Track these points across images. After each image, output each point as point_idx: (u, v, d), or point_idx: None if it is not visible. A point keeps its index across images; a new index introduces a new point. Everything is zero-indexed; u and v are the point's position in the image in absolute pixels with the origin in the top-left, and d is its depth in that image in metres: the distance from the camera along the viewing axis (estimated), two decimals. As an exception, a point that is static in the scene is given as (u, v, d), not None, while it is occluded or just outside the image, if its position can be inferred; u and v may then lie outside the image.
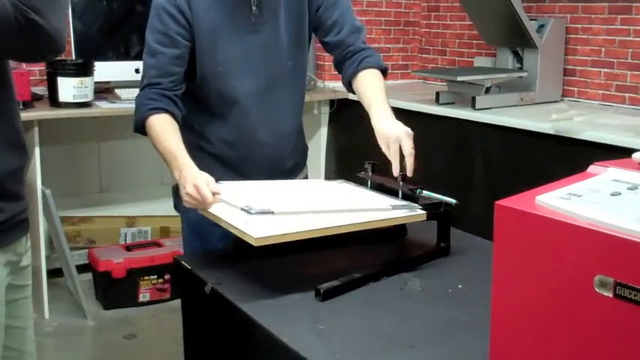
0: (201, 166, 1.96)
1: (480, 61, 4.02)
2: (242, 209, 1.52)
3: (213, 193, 1.65)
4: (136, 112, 1.90)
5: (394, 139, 1.75)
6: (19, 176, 1.45)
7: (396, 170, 1.73)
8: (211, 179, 1.70)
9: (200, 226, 1.98)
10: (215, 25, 1.89)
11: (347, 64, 2.04)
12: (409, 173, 1.71)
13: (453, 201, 1.72)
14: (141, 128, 1.89)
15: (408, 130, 1.77)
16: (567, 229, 0.93)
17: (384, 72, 2.03)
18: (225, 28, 1.90)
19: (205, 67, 1.92)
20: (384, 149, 1.76)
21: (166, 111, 1.86)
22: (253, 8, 1.90)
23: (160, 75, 1.89)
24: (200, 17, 1.88)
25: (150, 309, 3.53)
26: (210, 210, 1.66)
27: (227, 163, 2.00)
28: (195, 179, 1.68)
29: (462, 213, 1.86)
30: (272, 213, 1.50)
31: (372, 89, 1.95)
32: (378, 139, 1.79)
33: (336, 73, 2.13)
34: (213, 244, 1.92)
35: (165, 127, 1.85)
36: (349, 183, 1.91)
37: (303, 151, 2.19)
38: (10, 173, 1.41)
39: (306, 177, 2.19)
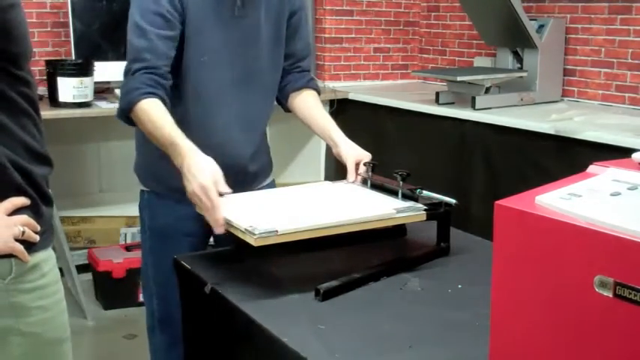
0: (165, 173, 1.91)
1: (479, 61, 4.02)
2: (246, 229, 1.51)
3: (220, 194, 1.59)
4: (125, 96, 1.81)
5: (359, 159, 1.91)
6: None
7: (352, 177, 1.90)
8: (219, 175, 1.63)
9: (168, 236, 1.97)
10: (203, 12, 1.87)
11: (294, 76, 2.09)
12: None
13: (452, 201, 1.72)
14: (128, 113, 1.80)
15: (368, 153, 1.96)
16: (567, 229, 0.93)
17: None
18: (211, 16, 1.88)
19: (190, 55, 1.88)
20: (350, 162, 1.90)
21: (159, 97, 1.79)
22: (237, 0, 1.89)
23: (154, 58, 1.81)
24: (190, 2, 1.85)
25: (150, 309, 3.52)
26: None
27: None
28: (202, 178, 1.60)
29: (462, 213, 1.86)
30: (276, 232, 1.50)
31: (325, 115, 2.09)
32: (347, 157, 1.92)
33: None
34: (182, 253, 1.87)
35: (159, 112, 1.76)
36: (354, 182, 1.91)
37: (268, 153, 2.16)
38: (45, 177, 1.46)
39: (272, 182, 2.17)
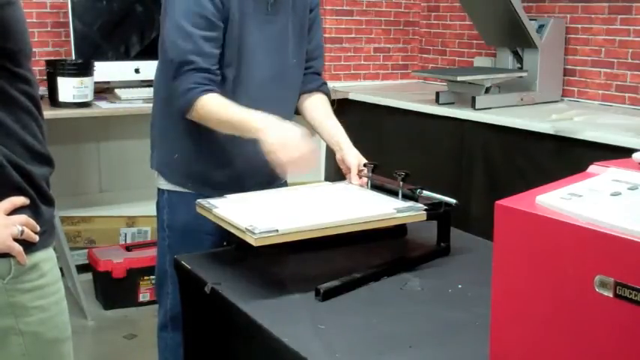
0: (199, 170, 1.98)
1: (479, 61, 4.02)
2: (246, 229, 1.51)
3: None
4: (182, 95, 1.86)
5: (359, 163, 1.95)
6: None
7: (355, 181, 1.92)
8: (304, 131, 1.74)
9: (188, 234, 1.97)
10: (242, 9, 1.90)
11: (307, 78, 2.10)
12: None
13: (453, 201, 1.72)
14: (187, 112, 1.86)
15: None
16: (567, 229, 0.93)
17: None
18: (249, 13, 1.91)
19: (232, 51, 1.91)
20: (354, 166, 1.93)
21: (216, 92, 1.86)
22: None
23: (202, 61, 1.85)
24: (231, 2, 1.88)
25: (150, 309, 3.52)
26: (214, 212, 1.66)
27: (226, 164, 1.99)
28: (291, 130, 1.73)
29: (463, 213, 1.86)
30: (276, 231, 1.50)
31: (335, 120, 2.11)
32: (351, 162, 1.94)
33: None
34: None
35: (224, 101, 1.84)
36: (354, 184, 1.90)
37: None
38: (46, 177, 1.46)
39: (285, 182, 2.17)
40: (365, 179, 1.89)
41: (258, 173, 1.99)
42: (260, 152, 1.95)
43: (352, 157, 1.95)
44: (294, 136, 1.72)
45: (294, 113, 2.16)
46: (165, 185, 2.06)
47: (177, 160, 2.01)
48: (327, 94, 2.16)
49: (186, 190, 2.00)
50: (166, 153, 2.05)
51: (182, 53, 1.85)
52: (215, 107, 1.84)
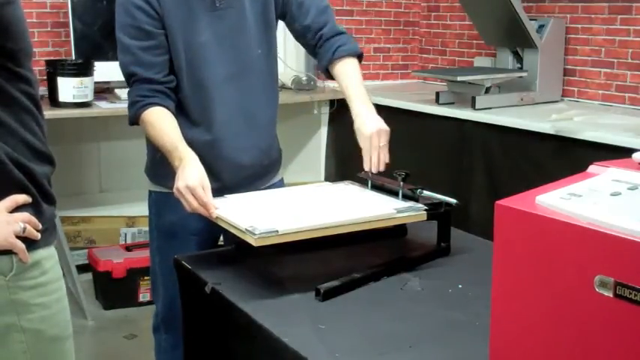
0: None
1: (479, 61, 4.02)
2: (246, 230, 1.51)
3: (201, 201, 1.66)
4: (129, 108, 1.91)
5: (367, 135, 1.82)
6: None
7: (366, 164, 1.81)
8: (207, 182, 1.69)
9: (174, 235, 1.97)
10: (183, 12, 1.88)
11: (322, 50, 2.02)
12: (374, 169, 1.81)
13: (453, 201, 1.72)
14: (136, 124, 1.91)
15: (384, 127, 1.84)
16: (567, 229, 0.93)
17: (360, 57, 2.04)
18: (192, 14, 1.89)
19: (178, 56, 1.90)
20: (360, 143, 1.83)
21: (159, 104, 1.87)
22: None
23: (143, 71, 1.87)
24: (168, 6, 1.87)
25: (150, 309, 3.49)
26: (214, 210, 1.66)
27: (206, 166, 1.87)
28: (190, 180, 1.68)
29: (463, 213, 1.85)
30: (276, 232, 1.50)
31: (350, 83, 1.97)
32: (356, 134, 1.84)
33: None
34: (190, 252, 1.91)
35: (159, 121, 1.85)
36: (355, 184, 1.90)
37: (279, 149, 2.13)
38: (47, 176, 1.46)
39: (281, 180, 2.15)
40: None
41: (240, 174, 1.97)
42: (235, 155, 1.95)
43: (360, 132, 1.83)
44: (193, 186, 1.67)
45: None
46: (151, 186, 2.06)
47: (159, 160, 1.97)
48: (346, 54, 2.00)
49: (170, 191, 1.94)
50: (150, 153, 2.05)
51: (124, 66, 1.91)
52: (151, 129, 1.86)
